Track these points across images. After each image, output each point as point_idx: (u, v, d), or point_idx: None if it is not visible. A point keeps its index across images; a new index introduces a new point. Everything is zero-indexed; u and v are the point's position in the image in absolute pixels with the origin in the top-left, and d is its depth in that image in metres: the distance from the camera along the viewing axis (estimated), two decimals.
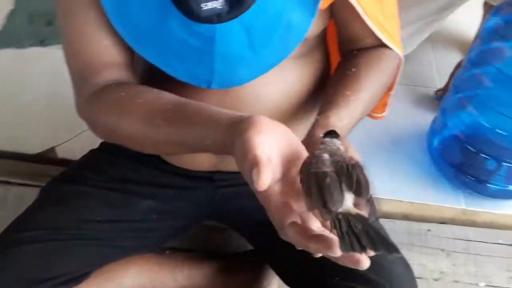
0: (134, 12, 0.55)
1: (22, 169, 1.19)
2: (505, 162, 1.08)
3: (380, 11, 0.64)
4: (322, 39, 0.74)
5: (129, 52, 0.63)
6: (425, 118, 1.32)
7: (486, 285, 1.14)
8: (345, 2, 0.60)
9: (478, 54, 1.00)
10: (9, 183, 1.16)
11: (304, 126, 0.74)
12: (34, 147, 1.27)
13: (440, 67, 1.59)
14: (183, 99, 0.57)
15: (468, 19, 1.58)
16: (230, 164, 0.73)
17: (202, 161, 0.74)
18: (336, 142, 0.47)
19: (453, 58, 1.07)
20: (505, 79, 0.93)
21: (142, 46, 0.60)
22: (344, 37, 0.71)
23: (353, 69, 0.64)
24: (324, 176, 0.40)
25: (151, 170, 0.78)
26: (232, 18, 0.53)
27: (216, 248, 1.06)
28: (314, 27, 0.62)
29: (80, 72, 0.63)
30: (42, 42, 1.70)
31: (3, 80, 1.55)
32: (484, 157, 1.09)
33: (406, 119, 1.37)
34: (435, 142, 1.22)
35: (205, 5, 0.51)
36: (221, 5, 0.51)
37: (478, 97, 1.02)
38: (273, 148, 0.45)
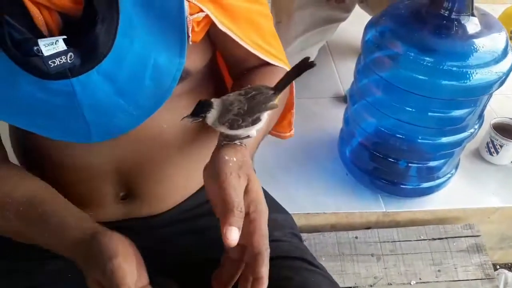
0: None
1: None
2: (412, 163, 1.13)
3: (257, 34, 0.65)
4: (213, 66, 0.74)
5: None
6: (334, 128, 1.36)
7: (417, 283, 1.18)
8: (220, 32, 0.60)
9: (364, 65, 1.05)
10: None
11: (204, 155, 0.73)
12: None
13: (342, 75, 1.66)
14: (40, 194, 0.59)
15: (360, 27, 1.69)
16: (141, 210, 0.71)
17: (106, 211, 0.70)
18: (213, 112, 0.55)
19: (353, 64, 1.12)
20: (388, 85, 0.97)
21: (4, 114, 0.57)
22: (230, 61, 0.73)
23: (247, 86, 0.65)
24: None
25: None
26: (88, 70, 0.51)
27: None
28: (196, 60, 0.62)
29: None
30: None
31: None
32: (392, 161, 1.13)
33: (317, 132, 1.41)
34: (346, 151, 1.25)
35: (53, 62, 0.49)
36: (70, 59, 0.50)
37: (371, 105, 1.06)
38: (134, 271, 0.51)
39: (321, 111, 1.48)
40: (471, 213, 1.26)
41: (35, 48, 0.49)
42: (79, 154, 0.65)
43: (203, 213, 0.75)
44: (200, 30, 0.58)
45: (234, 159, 0.53)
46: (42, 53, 0.48)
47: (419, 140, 1.05)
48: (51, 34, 0.52)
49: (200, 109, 0.54)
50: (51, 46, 0.49)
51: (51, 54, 0.49)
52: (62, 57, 0.49)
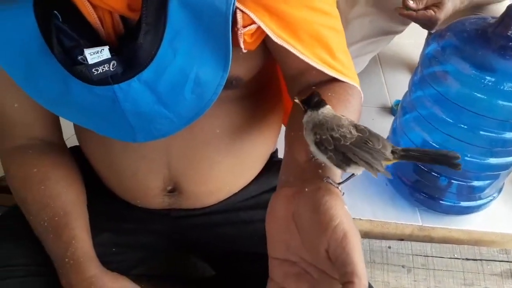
0: (43, 83, 0.56)
1: None
2: (455, 179, 1.13)
3: (323, 48, 0.60)
4: (270, 72, 0.74)
5: (45, 112, 0.65)
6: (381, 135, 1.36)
7: None
8: (277, 44, 0.57)
9: (420, 78, 1.05)
10: None
11: (251, 159, 0.76)
12: None
13: (390, 86, 1.67)
14: (75, 213, 0.67)
15: (414, 41, 1.68)
16: (184, 203, 0.75)
17: (153, 200, 0.74)
18: (332, 110, 0.49)
19: (403, 78, 1.13)
20: (443, 100, 0.98)
21: (59, 110, 0.62)
22: (289, 72, 0.67)
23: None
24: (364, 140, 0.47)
25: (107, 203, 0.78)
26: (129, 78, 0.53)
27: (182, 273, 1.05)
28: (250, 67, 0.63)
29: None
30: None
31: None
32: (435, 175, 1.13)
33: None
34: None
35: (96, 70, 0.51)
36: (113, 67, 0.52)
37: (423, 118, 1.06)
38: None
39: (366, 120, 1.49)
40: (508, 238, 1.24)
41: (80, 57, 0.51)
42: (133, 148, 0.68)
43: (244, 207, 0.79)
44: (255, 40, 0.57)
45: (346, 207, 0.46)
46: (87, 61, 0.51)
47: (466, 158, 1.05)
48: (108, 35, 0.55)
49: (316, 102, 0.49)
50: (96, 55, 0.51)
51: (95, 62, 0.51)
52: (105, 65, 0.51)
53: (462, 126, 1.00)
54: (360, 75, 1.56)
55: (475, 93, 0.93)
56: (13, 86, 0.59)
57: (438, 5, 1.15)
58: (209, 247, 0.82)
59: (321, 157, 0.48)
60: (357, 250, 0.41)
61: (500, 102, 0.91)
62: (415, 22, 1.21)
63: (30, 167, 0.67)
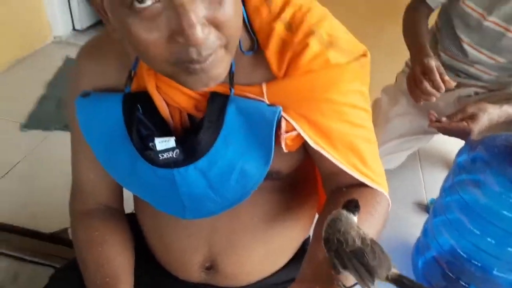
0: (118, 161, 0.69)
1: (36, 247, 1.29)
2: None
3: (356, 156, 0.66)
4: (307, 167, 0.81)
5: (114, 183, 0.76)
6: (412, 235, 1.38)
7: None
8: (312, 148, 0.64)
9: (451, 184, 1.09)
10: (23, 259, 1.26)
11: (284, 247, 0.82)
12: (49, 227, 1.37)
13: (428, 183, 1.69)
14: (123, 279, 0.73)
15: (457, 139, 1.71)
16: (220, 280, 0.81)
17: (191, 274, 0.81)
18: (354, 217, 0.53)
19: (441, 176, 1.17)
20: (470, 210, 1.00)
21: (127, 183, 0.74)
22: (325, 172, 0.72)
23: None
24: (362, 252, 0.50)
25: (152, 270, 0.85)
26: (187, 165, 0.63)
27: None
28: (289, 163, 0.72)
29: (74, 186, 0.80)
30: (66, 127, 1.87)
31: (29, 159, 1.70)
32: (463, 285, 1.12)
33: (393, 234, 1.43)
34: (419, 263, 1.26)
35: (162, 155, 0.62)
36: (176, 155, 0.62)
37: (451, 223, 1.08)
38: None
39: (400, 215, 1.51)
40: None
41: (151, 144, 0.62)
42: (181, 225, 0.77)
43: None
44: (295, 143, 0.65)
45: None
46: (155, 148, 0.62)
47: (494, 272, 1.05)
48: (176, 128, 0.67)
49: (353, 208, 0.54)
50: (164, 143, 0.62)
51: (162, 149, 0.62)
52: (170, 152, 0.62)
53: (489, 239, 1.01)
54: (398, 169, 1.63)
55: (501, 209, 0.95)
56: (92, 160, 0.71)
57: (473, 117, 1.19)
58: None
59: (326, 253, 0.52)
60: None
61: None
62: (447, 134, 1.25)
63: (93, 230, 0.77)
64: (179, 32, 0.48)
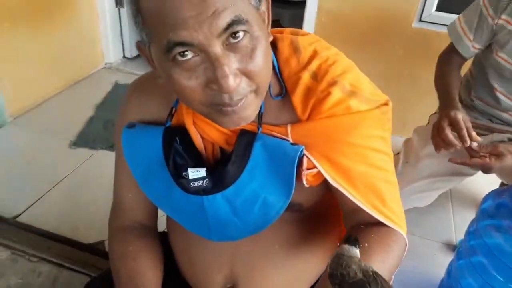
0: (155, 185, 0.76)
1: (75, 255, 1.39)
2: None
3: (375, 197, 0.69)
4: (328, 201, 0.85)
5: (150, 204, 0.82)
6: (437, 274, 1.37)
7: None
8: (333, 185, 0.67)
9: (475, 228, 1.10)
10: (62, 266, 1.35)
11: (303, 276, 0.85)
12: (88, 238, 1.46)
13: (458, 224, 1.68)
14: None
15: (489, 182, 1.68)
16: None
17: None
18: (356, 251, 0.56)
19: (471, 215, 1.18)
20: (494, 257, 1.01)
21: (161, 205, 0.81)
22: (344, 208, 0.75)
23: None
24: (363, 283, 0.53)
25: (174, 284, 0.90)
26: (215, 193, 0.69)
27: None
28: (309, 196, 0.76)
29: (114, 204, 0.88)
30: (112, 147, 2.00)
31: (75, 174, 1.82)
32: None
33: (418, 272, 1.43)
34: None
35: (193, 183, 0.69)
36: (205, 184, 0.69)
37: (474, 268, 1.08)
38: None
39: (427, 254, 1.52)
40: None
41: (184, 173, 0.69)
42: (207, 246, 0.83)
43: None
44: (316, 179, 0.70)
45: None
46: (188, 177, 0.70)
47: None
48: (208, 158, 0.73)
49: (353, 242, 0.58)
50: (196, 173, 0.70)
51: (194, 178, 0.70)
52: (200, 181, 0.69)
53: (499, 277, 1.01)
54: (429, 208, 1.64)
55: None
56: (131, 181, 0.79)
57: (499, 156, 1.21)
58: None
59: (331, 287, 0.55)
60: None
61: None
62: (468, 166, 1.27)
63: (128, 245, 0.84)
64: (214, 81, 0.56)
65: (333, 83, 0.66)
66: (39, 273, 1.32)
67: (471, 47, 1.41)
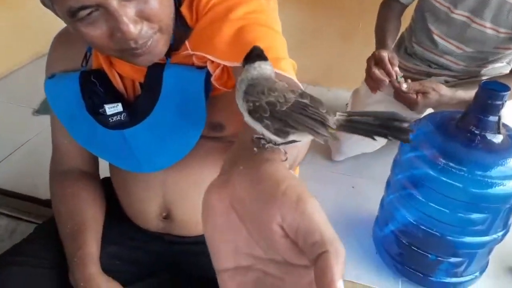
0: (79, 127, 0.82)
1: (33, 209, 1.44)
2: (441, 257, 1.17)
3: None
4: None
5: (85, 150, 0.87)
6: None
7: None
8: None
9: (399, 161, 1.17)
10: (19, 219, 1.41)
11: None
12: (47, 195, 1.50)
13: None
14: (85, 224, 0.85)
15: None
16: (176, 229, 0.91)
17: (151, 223, 0.92)
18: (270, 67, 0.42)
19: None
20: (417, 182, 1.08)
21: (89, 147, 0.86)
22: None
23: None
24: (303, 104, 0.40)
25: (121, 223, 0.96)
26: (134, 125, 0.76)
27: None
28: (226, 117, 0.78)
29: (53, 150, 0.95)
30: None
31: (36, 139, 1.87)
32: (418, 251, 1.19)
33: (359, 208, 1.53)
34: (379, 234, 1.34)
35: (112, 118, 0.76)
36: (123, 118, 0.76)
37: (407, 201, 1.15)
38: None
39: (369, 192, 1.60)
40: None
41: (101, 109, 0.76)
42: (140, 179, 0.88)
43: None
44: (224, 79, 0.72)
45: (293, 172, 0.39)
46: (106, 112, 0.76)
47: (448, 237, 1.11)
48: (130, 95, 0.78)
49: (255, 55, 0.42)
50: (113, 109, 0.76)
51: (112, 114, 0.76)
52: (118, 116, 0.76)
53: (435, 206, 1.09)
54: (378, 151, 1.69)
55: (443, 178, 1.03)
56: (64, 129, 0.84)
57: (425, 93, 1.33)
58: (196, 273, 0.95)
59: (257, 127, 0.41)
60: (319, 213, 0.33)
61: (465, 187, 1.01)
62: (399, 100, 1.38)
63: (67, 187, 0.90)
64: (117, 30, 0.61)
65: None
66: None
67: None
